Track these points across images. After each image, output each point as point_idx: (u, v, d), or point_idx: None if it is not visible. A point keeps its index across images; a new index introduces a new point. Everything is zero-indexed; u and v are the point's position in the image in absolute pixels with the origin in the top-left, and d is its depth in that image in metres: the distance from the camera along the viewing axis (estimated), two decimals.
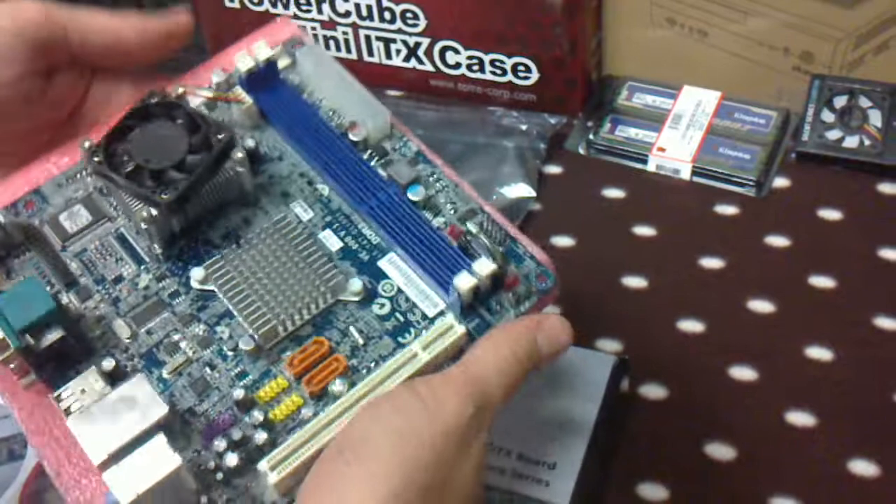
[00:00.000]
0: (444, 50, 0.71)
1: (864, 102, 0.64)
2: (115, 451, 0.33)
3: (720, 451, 0.50)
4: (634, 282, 0.59)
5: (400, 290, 0.38)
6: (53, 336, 0.35)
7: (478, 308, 0.38)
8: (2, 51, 0.39)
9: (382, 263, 0.39)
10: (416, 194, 0.39)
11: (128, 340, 0.37)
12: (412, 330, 0.37)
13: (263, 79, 0.42)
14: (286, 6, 0.75)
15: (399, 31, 0.72)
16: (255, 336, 0.36)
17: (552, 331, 0.38)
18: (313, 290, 0.37)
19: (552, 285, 0.39)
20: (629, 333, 0.56)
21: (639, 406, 0.52)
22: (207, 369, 0.36)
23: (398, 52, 0.73)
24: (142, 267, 0.39)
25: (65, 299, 0.38)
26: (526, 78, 0.70)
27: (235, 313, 0.37)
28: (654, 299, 0.58)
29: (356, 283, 0.38)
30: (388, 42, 0.73)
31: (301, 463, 0.33)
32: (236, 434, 0.34)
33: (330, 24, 0.74)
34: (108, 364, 0.36)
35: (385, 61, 0.75)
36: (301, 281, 0.37)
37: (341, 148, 0.40)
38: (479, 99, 0.73)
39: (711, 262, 0.59)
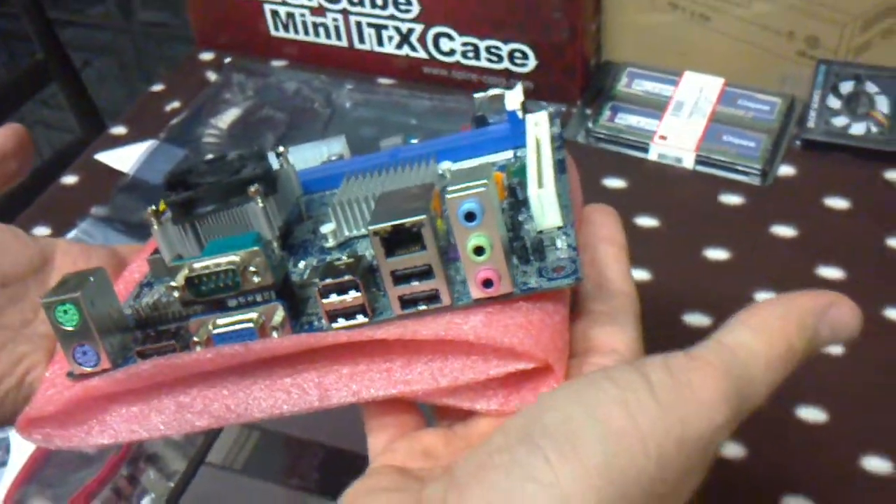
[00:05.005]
0: (437, 36, 0.70)
1: (871, 88, 0.62)
2: None
3: (730, 449, 0.49)
4: (638, 274, 0.57)
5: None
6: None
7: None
8: None
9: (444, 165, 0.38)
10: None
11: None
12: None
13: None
14: None
15: (391, 17, 0.70)
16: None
17: (842, 319, 0.30)
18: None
19: None
20: None
21: None
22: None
23: (390, 38, 0.72)
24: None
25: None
26: (523, 65, 0.68)
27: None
28: (658, 292, 0.56)
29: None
30: (379, 28, 0.71)
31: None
32: None
33: (319, 11, 0.72)
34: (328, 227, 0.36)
35: (377, 48, 0.73)
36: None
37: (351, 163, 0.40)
38: (475, 87, 0.71)
39: (717, 254, 0.58)
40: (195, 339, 0.31)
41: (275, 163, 0.38)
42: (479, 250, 0.29)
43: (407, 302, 0.30)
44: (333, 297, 0.31)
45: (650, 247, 0.59)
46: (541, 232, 0.33)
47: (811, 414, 0.50)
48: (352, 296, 0.31)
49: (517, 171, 0.36)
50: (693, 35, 0.66)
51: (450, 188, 0.29)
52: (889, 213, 0.59)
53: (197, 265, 0.31)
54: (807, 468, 0.48)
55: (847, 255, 0.57)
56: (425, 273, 0.30)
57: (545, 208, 0.32)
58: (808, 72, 0.64)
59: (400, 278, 0.30)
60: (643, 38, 0.68)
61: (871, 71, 0.63)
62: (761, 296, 0.55)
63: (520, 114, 0.38)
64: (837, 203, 0.60)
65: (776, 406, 0.50)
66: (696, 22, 0.66)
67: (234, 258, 0.31)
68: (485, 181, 0.29)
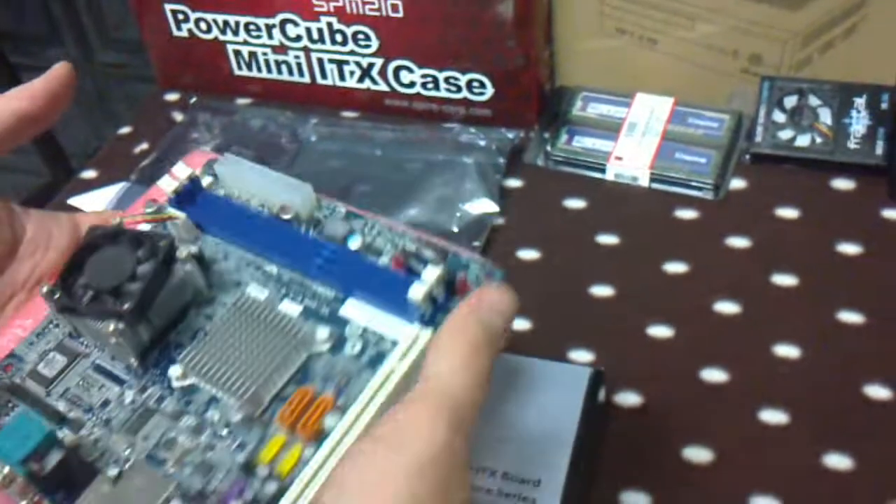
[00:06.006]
0: (397, 69, 0.72)
1: (813, 101, 0.65)
2: None
3: (698, 455, 0.51)
4: (601, 290, 0.59)
5: (366, 329, 0.39)
6: (56, 457, 0.36)
7: (437, 317, 0.38)
8: None
9: (343, 311, 0.40)
10: (354, 243, 0.41)
11: (127, 451, 0.38)
12: (388, 356, 0.38)
13: (190, 194, 0.44)
14: (235, 33, 0.75)
15: (352, 52, 0.72)
16: (243, 407, 0.37)
17: (492, 301, 0.35)
18: (285, 351, 0.38)
19: (501, 279, 0.40)
20: (600, 342, 0.56)
21: (616, 415, 0.52)
22: (208, 452, 0.37)
23: (352, 73, 0.74)
24: (124, 385, 0.40)
25: (60, 434, 0.39)
26: (481, 93, 0.70)
27: (220, 395, 0.38)
28: (622, 307, 0.59)
29: (323, 331, 0.39)
30: (340, 64, 0.73)
31: (309, 501, 0.34)
32: (248, 495, 0.35)
33: (281, 49, 0.74)
34: (113, 471, 0.37)
35: (339, 83, 0.75)
36: (272, 348, 0.38)
37: (277, 229, 0.42)
38: (436, 116, 0.73)
39: (675, 267, 0.60)
40: None
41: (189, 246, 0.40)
42: None
43: None
44: None
45: (611, 263, 0.61)
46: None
47: (773, 416, 0.52)
48: None
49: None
50: (642, 58, 0.69)
51: None
52: (837, 220, 0.61)
53: None
54: (772, 469, 0.50)
55: (800, 263, 0.59)
56: None
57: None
58: (754, 88, 0.66)
59: None
60: (595, 62, 0.71)
61: (812, 85, 0.66)
62: (720, 305, 0.57)
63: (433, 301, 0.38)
64: (788, 213, 0.63)
65: (740, 410, 0.52)
66: (644, 45, 0.68)
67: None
68: None
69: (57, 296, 0.39)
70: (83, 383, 0.41)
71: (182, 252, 0.40)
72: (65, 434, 0.39)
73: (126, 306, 0.38)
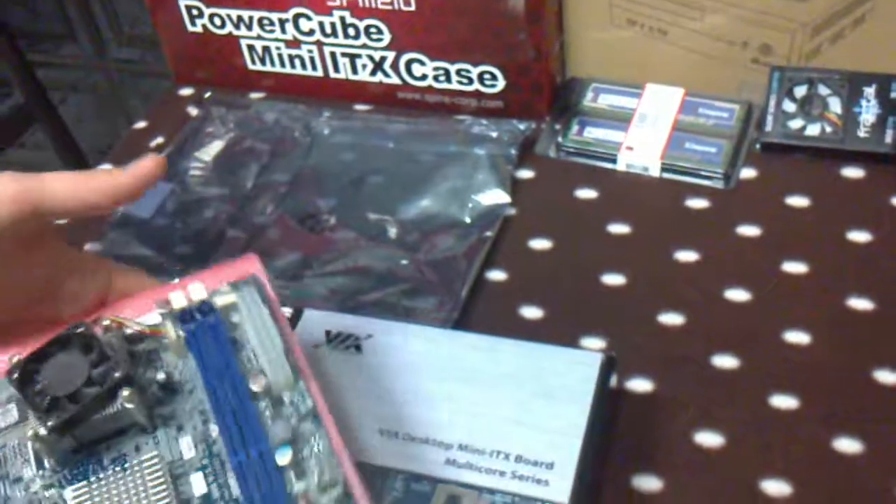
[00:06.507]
0: (409, 62, 0.72)
1: (823, 91, 0.66)
2: None
3: (709, 439, 0.51)
4: (613, 279, 0.60)
5: None
6: None
7: None
8: None
9: None
10: (283, 457, 0.40)
11: None
12: None
13: (195, 316, 0.44)
14: (249, 28, 0.76)
15: (364, 46, 0.73)
16: None
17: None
18: None
19: None
20: (612, 330, 0.57)
21: (627, 400, 0.53)
22: None
23: (364, 66, 0.74)
24: (38, 472, 0.41)
25: None
26: (492, 85, 0.71)
27: None
28: (633, 295, 0.59)
29: None
30: (353, 57, 0.74)
31: None
32: None
33: (294, 43, 0.75)
34: None
35: (351, 76, 0.75)
36: None
37: (238, 394, 0.42)
38: (448, 109, 0.74)
39: (686, 256, 0.61)
40: None
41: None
42: None
43: None
44: None
45: (623, 252, 0.62)
46: None
47: (784, 401, 0.52)
48: None
49: None
50: (652, 49, 0.69)
51: None
52: (847, 208, 0.62)
53: None
54: (783, 453, 0.50)
55: (810, 250, 0.60)
56: None
57: None
58: (763, 78, 0.67)
59: None
60: (605, 54, 0.71)
61: (822, 74, 0.66)
62: (731, 293, 0.58)
63: None
64: (798, 201, 0.63)
65: (750, 395, 0.53)
66: (654, 36, 0.69)
67: None
68: None
69: (14, 374, 0.40)
70: (16, 448, 0.42)
71: (125, 392, 0.40)
72: None
73: (50, 423, 0.39)
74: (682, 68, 0.69)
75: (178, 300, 0.44)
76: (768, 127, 0.66)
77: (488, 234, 0.63)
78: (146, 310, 0.45)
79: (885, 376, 0.53)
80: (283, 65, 0.77)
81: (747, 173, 0.65)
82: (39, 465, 0.41)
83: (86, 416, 0.40)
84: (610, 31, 0.70)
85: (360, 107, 0.76)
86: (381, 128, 0.73)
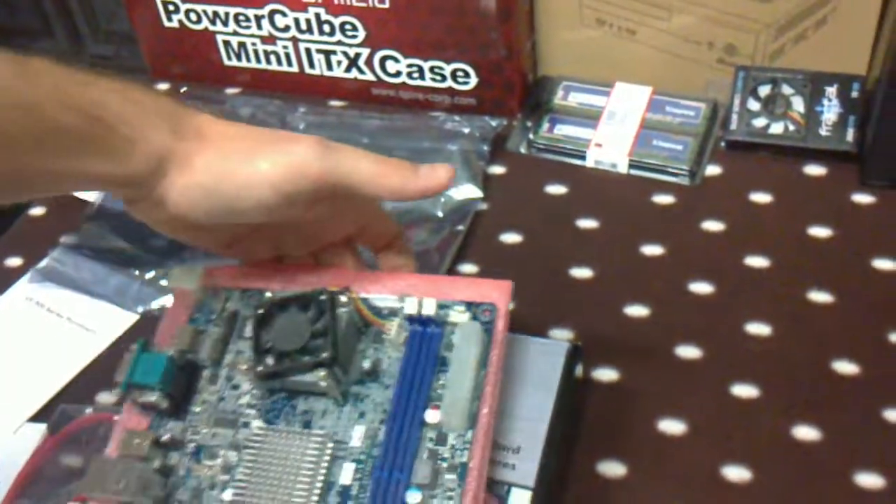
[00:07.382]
0: (384, 59, 0.73)
1: (786, 90, 0.67)
2: None
3: (672, 427, 0.52)
4: (581, 272, 0.61)
5: None
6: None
7: None
8: (285, 199, 0.42)
9: None
10: (413, 496, 0.41)
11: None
12: None
13: (424, 321, 0.46)
14: (225, 23, 0.76)
15: (339, 42, 0.74)
16: None
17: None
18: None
19: None
20: (579, 321, 0.58)
21: (593, 389, 0.54)
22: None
23: (339, 63, 0.75)
24: (251, 389, 0.45)
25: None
26: (465, 83, 0.72)
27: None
28: (600, 288, 0.60)
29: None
30: (328, 54, 0.75)
31: None
32: None
33: (270, 39, 0.76)
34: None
35: (326, 73, 0.76)
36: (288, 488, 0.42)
37: (415, 415, 0.43)
38: (421, 105, 0.75)
39: (652, 250, 0.62)
40: None
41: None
42: None
43: None
44: None
45: (591, 246, 0.63)
46: None
47: (744, 390, 0.54)
48: None
49: None
50: (621, 48, 0.71)
51: None
52: (808, 205, 0.63)
53: None
54: (743, 440, 0.51)
55: (772, 245, 0.61)
56: None
57: None
58: (729, 78, 0.68)
59: None
60: (576, 53, 0.73)
61: (786, 74, 0.68)
62: (695, 286, 0.59)
63: None
64: (761, 198, 0.65)
65: (712, 385, 0.54)
66: (623, 36, 0.70)
67: None
68: None
69: (260, 311, 0.44)
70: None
71: (322, 372, 0.43)
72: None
73: (259, 368, 0.43)
74: (650, 67, 0.71)
75: (411, 305, 0.46)
76: (733, 125, 0.67)
77: (460, 227, 0.64)
78: (390, 291, 0.47)
79: (842, 367, 0.54)
80: (258, 60, 0.78)
81: (712, 170, 0.67)
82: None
83: (287, 375, 0.43)
84: (580, 31, 0.71)
85: (335, 103, 0.77)
86: (355, 123, 0.74)
